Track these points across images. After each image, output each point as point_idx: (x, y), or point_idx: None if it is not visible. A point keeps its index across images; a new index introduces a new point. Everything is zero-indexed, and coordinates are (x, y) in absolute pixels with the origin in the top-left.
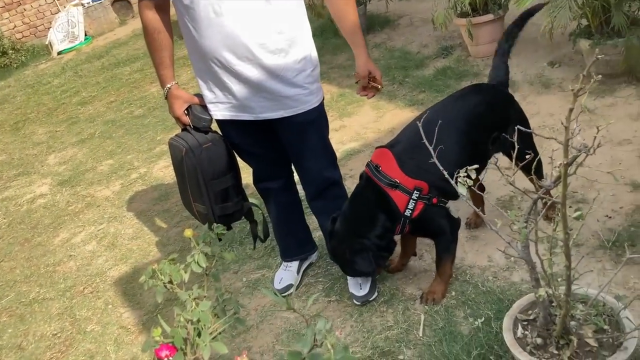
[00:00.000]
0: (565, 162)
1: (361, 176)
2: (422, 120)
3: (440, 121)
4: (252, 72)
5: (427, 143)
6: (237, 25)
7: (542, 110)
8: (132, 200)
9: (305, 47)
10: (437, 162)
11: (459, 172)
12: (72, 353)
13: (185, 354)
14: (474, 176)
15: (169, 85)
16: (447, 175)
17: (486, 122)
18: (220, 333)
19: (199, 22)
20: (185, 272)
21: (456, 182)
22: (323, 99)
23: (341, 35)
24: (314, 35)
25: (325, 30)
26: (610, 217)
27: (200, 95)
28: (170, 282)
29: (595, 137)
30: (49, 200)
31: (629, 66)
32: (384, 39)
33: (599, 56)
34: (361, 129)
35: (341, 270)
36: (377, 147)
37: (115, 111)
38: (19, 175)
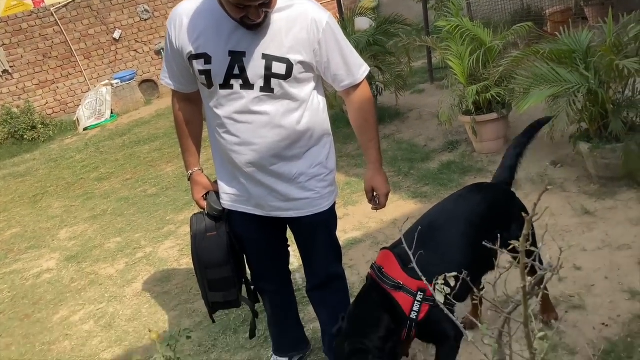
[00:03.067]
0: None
1: (367, 278)
2: (422, 222)
3: (441, 223)
4: (263, 176)
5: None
6: (253, 136)
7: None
8: (134, 280)
9: (321, 152)
10: (416, 267)
11: (437, 279)
12: None
13: None
14: (452, 283)
15: (191, 171)
16: (425, 281)
17: (488, 222)
18: None
19: (220, 125)
20: None
21: (434, 289)
22: (335, 202)
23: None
24: None
25: (337, 120)
26: (606, 325)
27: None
28: None
29: (559, 258)
30: (54, 275)
31: (628, 171)
32: (393, 131)
33: (549, 187)
34: (364, 219)
35: None
36: (381, 249)
37: (129, 189)
38: (30, 248)
